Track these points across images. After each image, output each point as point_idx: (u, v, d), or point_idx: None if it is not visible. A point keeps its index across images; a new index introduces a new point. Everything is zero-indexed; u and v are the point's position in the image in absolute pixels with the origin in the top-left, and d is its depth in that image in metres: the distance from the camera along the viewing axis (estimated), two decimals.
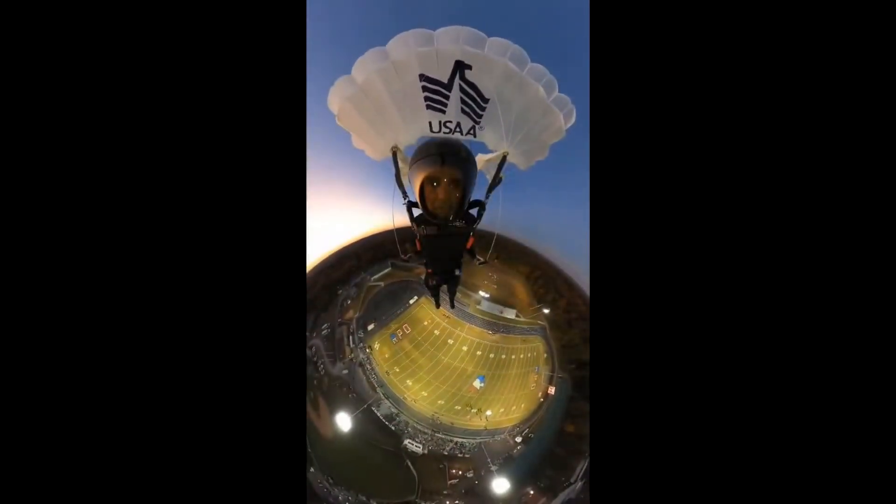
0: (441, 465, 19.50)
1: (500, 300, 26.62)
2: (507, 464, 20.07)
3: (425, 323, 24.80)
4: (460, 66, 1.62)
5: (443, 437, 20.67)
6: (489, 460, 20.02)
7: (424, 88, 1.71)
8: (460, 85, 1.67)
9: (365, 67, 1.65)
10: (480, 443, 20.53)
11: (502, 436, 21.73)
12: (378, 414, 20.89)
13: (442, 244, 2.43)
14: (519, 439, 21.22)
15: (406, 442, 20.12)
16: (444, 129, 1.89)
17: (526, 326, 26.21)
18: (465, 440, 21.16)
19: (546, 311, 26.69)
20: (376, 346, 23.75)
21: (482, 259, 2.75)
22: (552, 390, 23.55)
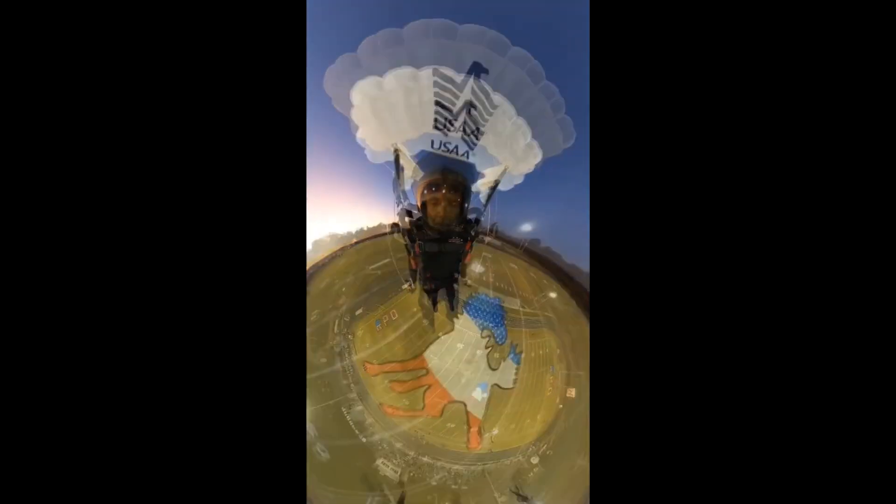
0: (429, 498, 12.47)
1: (501, 290, 19.89)
2: (522, 489, 13.00)
3: (415, 310, 17.77)
4: (477, 69, 1.68)
5: (429, 461, 13.45)
6: (496, 494, 12.92)
7: (436, 112, 1.87)
8: (465, 119, 1.85)
9: (396, 79, 1.68)
10: (483, 469, 13.18)
11: (514, 458, 14.24)
12: (348, 418, 13.71)
13: (442, 257, 2.53)
14: (535, 460, 14.08)
15: (378, 462, 13.07)
16: (443, 148, 2.06)
17: (532, 318, 19.24)
18: (461, 467, 13.74)
19: (553, 294, 20.21)
20: (359, 332, 16.80)
21: (468, 282, 3.20)
22: (572, 392, 16.33)
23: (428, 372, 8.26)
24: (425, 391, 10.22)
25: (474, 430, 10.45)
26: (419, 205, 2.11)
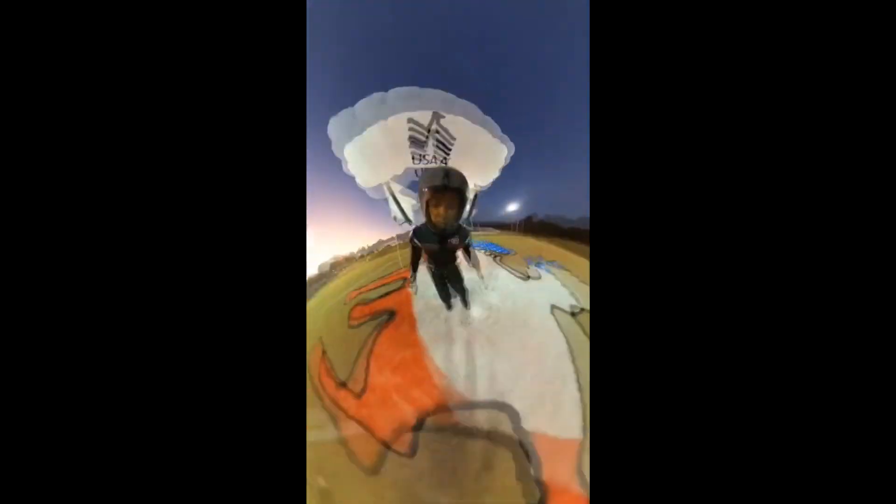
0: None
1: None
2: None
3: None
4: (436, 116, 2.20)
5: None
6: None
7: (412, 145, 2.27)
8: (435, 131, 2.27)
9: (378, 127, 2.17)
10: None
11: None
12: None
13: (443, 255, 2.67)
14: None
15: None
16: (423, 163, 2.44)
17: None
18: None
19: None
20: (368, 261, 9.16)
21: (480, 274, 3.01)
22: None
23: (404, 284, 4.00)
24: (381, 327, 2.92)
25: (565, 470, 1.48)
26: (422, 205, 2.15)
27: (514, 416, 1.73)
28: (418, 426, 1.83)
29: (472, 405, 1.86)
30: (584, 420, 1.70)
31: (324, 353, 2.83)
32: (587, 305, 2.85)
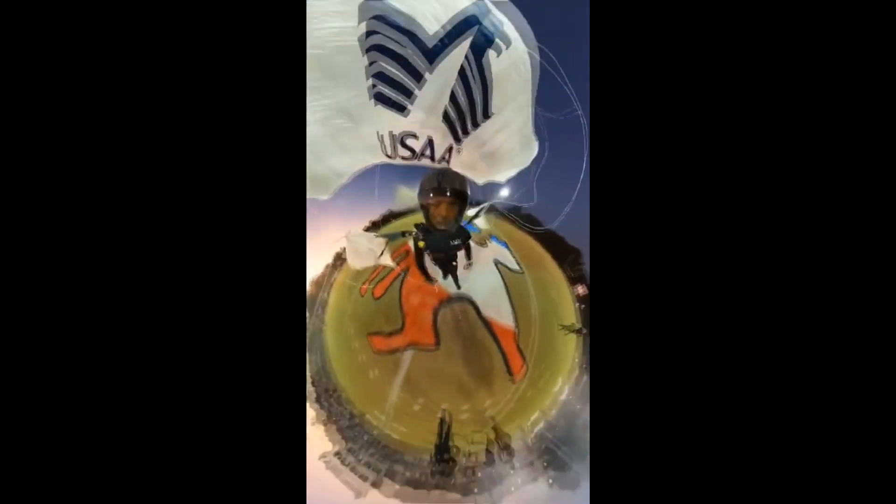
0: None
1: None
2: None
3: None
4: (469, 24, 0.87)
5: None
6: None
7: (374, 67, 0.94)
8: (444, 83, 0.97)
9: None
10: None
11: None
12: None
13: (446, 258, 3.05)
14: None
15: None
16: (400, 149, 1.14)
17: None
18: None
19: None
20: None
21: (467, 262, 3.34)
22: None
23: (409, 254, 4.97)
24: (403, 279, 5.42)
25: (509, 344, 5.75)
26: (422, 206, 2.21)
27: (472, 305, 6.16)
28: (437, 312, 6.07)
29: (458, 296, 5.72)
30: (510, 307, 6.19)
31: (370, 333, 5.43)
32: (515, 267, 6.80)
